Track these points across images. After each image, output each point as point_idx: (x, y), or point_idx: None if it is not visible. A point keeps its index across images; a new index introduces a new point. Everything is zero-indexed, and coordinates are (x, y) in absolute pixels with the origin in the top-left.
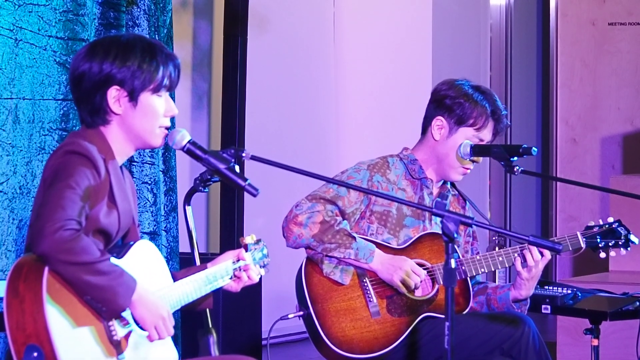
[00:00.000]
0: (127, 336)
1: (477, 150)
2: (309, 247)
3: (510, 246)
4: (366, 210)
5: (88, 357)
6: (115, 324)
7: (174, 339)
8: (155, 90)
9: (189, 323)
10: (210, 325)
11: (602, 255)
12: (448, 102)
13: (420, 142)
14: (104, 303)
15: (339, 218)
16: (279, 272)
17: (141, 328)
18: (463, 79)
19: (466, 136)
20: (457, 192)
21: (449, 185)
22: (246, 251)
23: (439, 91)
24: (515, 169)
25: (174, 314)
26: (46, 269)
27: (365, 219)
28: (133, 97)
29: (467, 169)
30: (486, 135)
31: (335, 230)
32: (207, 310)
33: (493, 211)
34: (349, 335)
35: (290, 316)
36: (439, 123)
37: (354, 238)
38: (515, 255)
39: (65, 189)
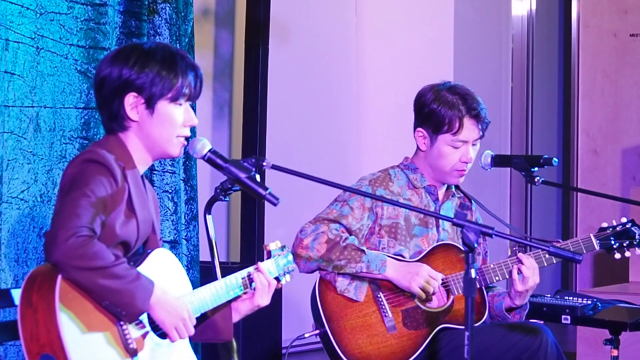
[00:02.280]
0: (143, 336)
1: (498, 160)
2: (320, 268)
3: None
4: (375, 225)
5: None
6: (129, 329)
7: (194, 346)
8: (174, 99)
9: None
10: None
11: (617, 256)
12: (424, 111)
13: (416, 151)
14: (123, 307)
15: (345, 234)
16: (299, 281)
17: (158, 331)
18: (442, 82)
19: (447, 142)
20: (462, 194)
21: (453, 189)
22: (269, 257)
23: (418, 99)
24: (536, 180)
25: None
26: (59, 279)
27: (375, 234)
28: (150, 105)
29: (462, 170)
30: (468, 135)
31: (343, 247)
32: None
33: (514, 221)
34: (366, 351)
35: (306, 335)
36: (421, 134)
37: (363, 251)
38: (513, 265)
39: (80, 198)
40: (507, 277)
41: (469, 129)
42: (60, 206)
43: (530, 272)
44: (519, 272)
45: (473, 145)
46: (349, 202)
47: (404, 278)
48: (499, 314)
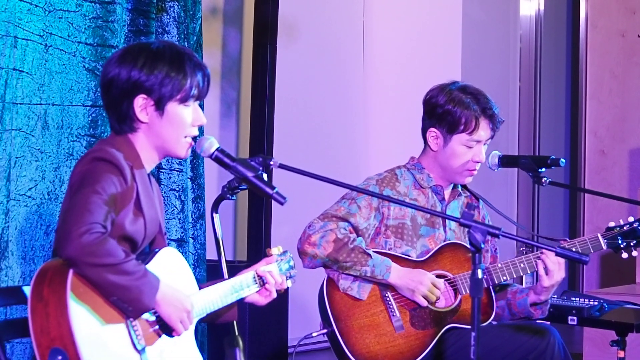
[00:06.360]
0: (152, 333)
1: (506, 161)
2: (325, 265)
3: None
4: (381, 225)
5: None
6: (138, 325)
7: (201, 346)
8: (183, 101)
9: (215, 331)
10: (237, 334)
11: (625, 255)
12: (438, 111)
13: (423, 150)
14: (130, 303)
15: (353, 235)
16: (306, 280)
17: (165, 330)
18: (451, 82)
19: (461, 142)
20: (468, 193)
21: (459, 188)
22: (271, 262)
23: (429, 100)
24: (543, 180)
25: (200, 321)
26: (70, 273)
27: (382, 235)
28: (160, 107)
29: (473, 170)
30: (482, 135)
31: (350, 249)
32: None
33: (521, 222)
34: (373, 351)
35: (314, 334)
36: (433, 134)
37: (369, 255)
38: (537, 260)
39: (92, 194)
40: (515, 276)
41: (484, 128)
42: (70, 203)
43: (555, 267)
44: (545, 268)
45: (484, 144)
46: (357, 201)
47: (406, 287)
48: (523, 310)
